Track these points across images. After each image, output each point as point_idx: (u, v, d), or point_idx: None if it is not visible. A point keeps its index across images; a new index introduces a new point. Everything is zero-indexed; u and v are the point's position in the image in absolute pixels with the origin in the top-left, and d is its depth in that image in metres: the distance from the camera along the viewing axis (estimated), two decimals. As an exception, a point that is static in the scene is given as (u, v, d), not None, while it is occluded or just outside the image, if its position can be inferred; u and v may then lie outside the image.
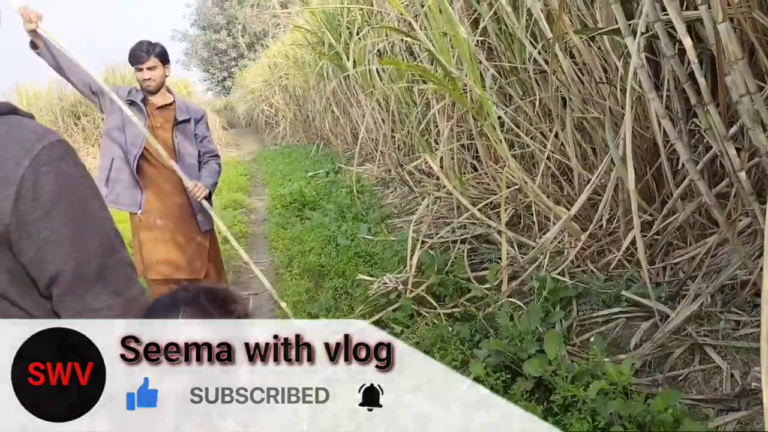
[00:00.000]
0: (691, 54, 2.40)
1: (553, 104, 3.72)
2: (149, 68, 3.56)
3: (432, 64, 5.69)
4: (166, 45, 3.75)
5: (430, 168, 6.31)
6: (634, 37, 2.64)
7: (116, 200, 3.60)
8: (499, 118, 3.87)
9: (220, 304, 1.18)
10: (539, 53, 3.82)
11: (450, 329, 3.19)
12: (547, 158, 3.79)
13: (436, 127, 5.69)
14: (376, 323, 3.69)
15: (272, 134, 18.59)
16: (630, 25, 2.77)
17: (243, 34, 35.31)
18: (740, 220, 2.81)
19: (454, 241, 4.35)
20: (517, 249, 3.83)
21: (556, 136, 3.96)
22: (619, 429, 2.03)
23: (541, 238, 3.73)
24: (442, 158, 4.90)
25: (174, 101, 3.73)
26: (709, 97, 2.45)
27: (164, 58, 3.65)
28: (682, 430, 2.03)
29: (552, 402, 2.37)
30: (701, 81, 2.43)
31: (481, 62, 4.19)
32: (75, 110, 18.09)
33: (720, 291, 2.73)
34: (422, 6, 4.66)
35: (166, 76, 3.69)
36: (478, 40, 4.53)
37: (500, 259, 3.75)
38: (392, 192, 7.34)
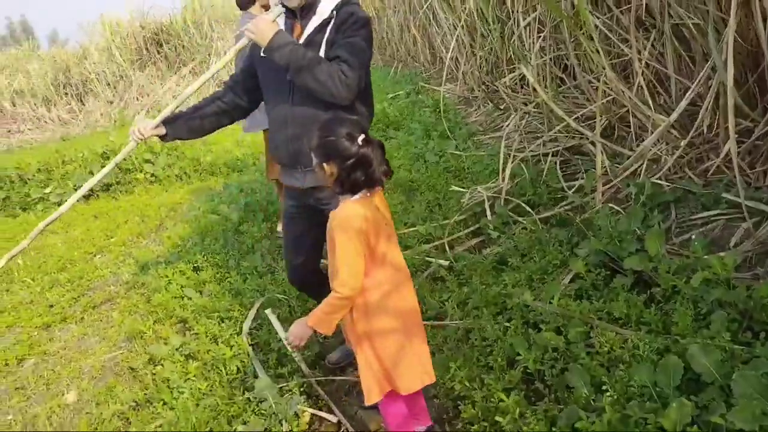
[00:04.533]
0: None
1: (652, 12, 3.68)
2: None
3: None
4: None
5: (515, 84, 6.32)
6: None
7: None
8: (595, 27, 3.85)
9: None
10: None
11: (547, 234, 3.34)
12: (645, 66, 3.77)
13: (522, 43, 5.66)
14: (474, 231, 3.89)
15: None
16: None
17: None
18: None
19: (546, 154, 4.43)
20: (610, 159, 3.89)
21: (653, 44, 3.92)
22: (722, 314, 2.15)
23: (636, 147, 3.77)
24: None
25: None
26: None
27: None
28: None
29: (653, 294, 2.52)
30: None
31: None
32: (157, 38, 18.56)
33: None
34: None
35: None
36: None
37: (593, 169, 3.83)
38: (476, 110, 7.37)
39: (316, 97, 2.34)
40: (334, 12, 2.39)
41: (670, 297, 2.47)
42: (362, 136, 1.93)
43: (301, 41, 2.40)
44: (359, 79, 2.32)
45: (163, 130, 2.66)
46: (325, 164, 1.96)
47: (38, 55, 21.46)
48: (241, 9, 4.71)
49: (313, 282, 2.80)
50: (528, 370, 2.35)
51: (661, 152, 3.63)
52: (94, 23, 19.15)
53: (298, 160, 2.47)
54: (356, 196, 1.96)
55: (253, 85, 2.65)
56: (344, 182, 1.95)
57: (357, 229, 1.90)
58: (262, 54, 2.42)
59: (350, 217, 1.93)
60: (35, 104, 19.17)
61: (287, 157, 2.53)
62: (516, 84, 6.28)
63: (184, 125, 2.70)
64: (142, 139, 2.65)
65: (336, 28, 2.38)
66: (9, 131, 18.58)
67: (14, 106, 19.09)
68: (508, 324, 2.65)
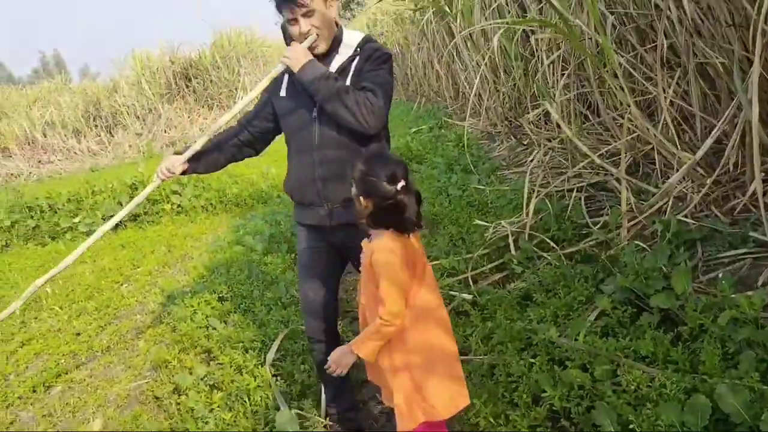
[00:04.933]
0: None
1: (677, 50, 3.71)
2: None
3: (541, 15, 5.70)
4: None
5: (539, 120, 6.36)
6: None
7: None
8: (619, 65, 3.89)
9: None
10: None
11: (572, 269, 3.34)
12: (670, 104, 3.79)
13: (545, 79, 5.71)
14: (498, 266, 3.89)
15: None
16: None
17: (339, -6, 35.47)
18: None
19: (570, 190, 4.44)
20: (635, 196, 3.88)
21: (678, 83, 3.95)
22: (750, 354, 2.13)
23: (661, 184, 3.77)
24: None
25: None
26: None
27: None
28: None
29: (680, 332, 2.50)
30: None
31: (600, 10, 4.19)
32: (186, 73, 19.01)
33: None
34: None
35: None
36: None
37: (618, 205, 3.83)
38: (498, 145, 7.42)
39: (343, 135, 2.40)
40: (359, 48, 2.49)
41: (697, 336, 2.45)
42: (402, 183, 1.97)
43: None
44: (387, 108, 2.40)
45: (186, 166, 2.70)
46: (362, 197, 2.01)
47: (70, 88, 22.09)
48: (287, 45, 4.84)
49: (334, 324, 2.80)
50: (554, 408, 2.33)
51: (686, 190, 3.62)
52: (125, 57, 19.75)
53: (327, 197, 2.48)
54: (389, 231, 2.01)
55: (265, 128, 2.70)
56: (376, 220, 2.01)
57: (400, 259, 1.96)
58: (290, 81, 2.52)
59: (393, 248, 1.98)
60: (66, 135, 19.66)
61: (313, 196, 2.52)
62: (539, 120, 6.32)
63: (204, 161, 2.74)
64: (169, 178, 2.70)
65: (362, 64, 2.46)
66: (40, 161, 19.04)
67: (45, 137, 19.59)
68: (533, 360, 2.64)
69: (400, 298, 1.97)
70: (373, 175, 1.97)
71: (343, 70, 2.47)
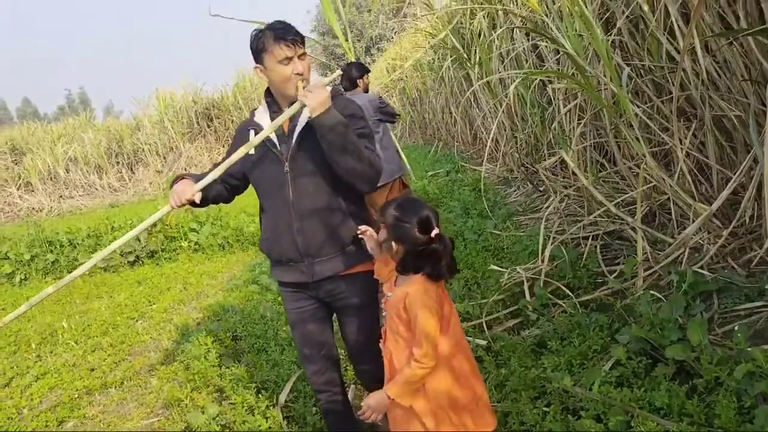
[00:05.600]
0: None
1: (693, 102, 3.75)
2: None
3: (558, 66, 5.80)
4: None
5: (555, 167, 6.41)
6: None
7: None
8: (635, 115, 3.93)
9: None
10: (677, 51, 3.86)
11: (587, 318, 3.33)
12: (686, 155, 3.82)
13: (561, 127, 5.78)
14: (512, 312, 3.89)
15: (388, 136, 19.06)
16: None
17: (360, 39, 36.33)
18: None
19: (585, 238, 4.45)
20: (650, 246, 3.89)
21: (694, 134, 3.98)
22: (766, 408, 2.11)
23: (677, 234, 3.77)
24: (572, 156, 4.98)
25: None
26: None
27: None
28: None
29: (695, 385, 2.48)
30: None
31: (616, 62, 4.26)
32: (208, 112, 19.36)
33: None
34: (548, 8, 4.80)
35: None
36: (611, 39, 4.60)
37: (634, 255, 3.83)
38: (515, 191, 7.46)
39: (319, 187, 2.34)
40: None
41: (712, 389, 2.43)
42: (436, 231, 2.01)
43: (296, 134, 2.36)
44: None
45: (200, 196, 2.50)
46: (393, 242, 2.04)
47: (94, 125, 22.55)
48: (344, 91, 5.05)
49: (337, 371, 2.72)
50: (567, 458, 2.31)
51: (702, 241, 3.62)
52: (148, 96, 20.17)
53: (308, 252, 2.40)
54: (420, 275, 2.04)
55: (235, 185, 2.62)
56: (405, 265, 2.04)
57: (434, 301, 1.99)
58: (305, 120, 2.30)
59: (428, 290, 2.01)
60: (87, 171, 20.00)
61: (293, 252, 2.42)
62: (555, 167, 6.37)
63: (212, 193, 2.57)
64: (182, 206, 2.51)
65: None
66: (61, 196, 19.35)
67: (68, 172, 19.94)
68: (546, 409, 2.63)
69: (434, 340, 1.98)
70: (405, 222, 2.00)
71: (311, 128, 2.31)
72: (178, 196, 2.42)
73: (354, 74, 5.03)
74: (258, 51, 2.33)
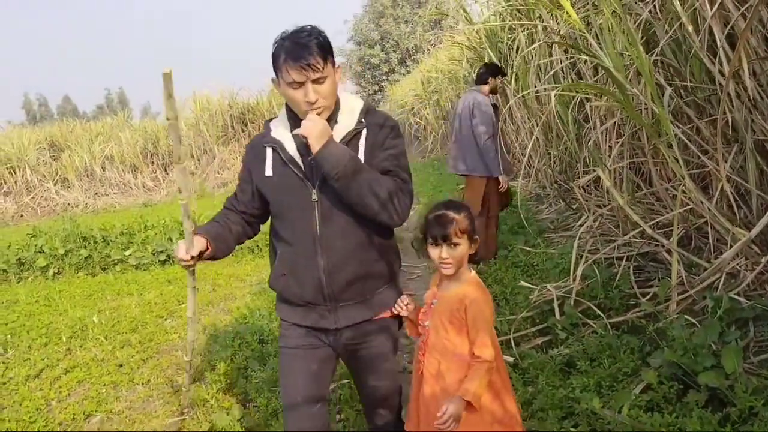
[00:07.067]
0: None
1: (735, 126, 3.69)
2: None
3: (596, 82, 5.75)
4: None
5: (589, 185, 6.34)
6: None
7: None
8: (675, 136, 3.88)
9: None
10: (720, 73, 3.80)
11: (618, 340, 3.28)
12: (726, 179, 3.75)
13: (598, 146, 5.72)
14: (541, 330, 3.85)
15: (420, 148, 19.09)
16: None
17: (395, 50, 36.53)
18: None
19: (619, 258, 4.39)
20: (686, 269, 3.82)
21: (735, 157, 3.91)
22: (804, 442, 2.06)
23: (713, 259, 3.70)
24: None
25: None
26: None
27: None
28: None
29: (728, 413, 2.42)
30: None
31: (658, 81, 4.21)
32: (243, 117, 19.59)
33: None
34: (590, 25, 4.76)
35: None
36: (653, 59, 4.55)
37: (668, 277, 3.76)
38: (547, 207, 7.40)
39: (351, 222, 2.04)
40: (362, 121, 2.09)
41: (746, 419, 2.37)
42: None
43: None
44: (413, 195, 2.10)
45: (206, 246, 2.17)
46: (471, 239, 2.06)
47: (131, 124, 22.92)
48: (477, 83, 5.66)
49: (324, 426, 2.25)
50: (593, 481, 2.27)
51: (740, 267, 3.55)
52: (186, 99, 20.41)
53: (333, 296, 2.08)
54: (472, 273, 2.13)
55: (257, 214, 2.28)
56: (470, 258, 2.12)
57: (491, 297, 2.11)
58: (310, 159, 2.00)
59: (484, 287, 2.10)
60: (123, 170, 20.34)
61: (314, 293, 2.08)
62: (590, 185, 6.30)
63: (222, 245, 2.23)
64: (189, 266, 2.23)
65: (373, 138, 2.07)
66: (96, 194, 19.72)
67: (104, 170, 20.30)
68: (574, 429, 2.59)
69: (494, 335, 2.05)
70: (472, 215, 2.08)
71: (348, 143, 2.04)
72: (179, 257, 2.14)
73: (484, 73, 5.63)
74: (273, 64, 2.00)
